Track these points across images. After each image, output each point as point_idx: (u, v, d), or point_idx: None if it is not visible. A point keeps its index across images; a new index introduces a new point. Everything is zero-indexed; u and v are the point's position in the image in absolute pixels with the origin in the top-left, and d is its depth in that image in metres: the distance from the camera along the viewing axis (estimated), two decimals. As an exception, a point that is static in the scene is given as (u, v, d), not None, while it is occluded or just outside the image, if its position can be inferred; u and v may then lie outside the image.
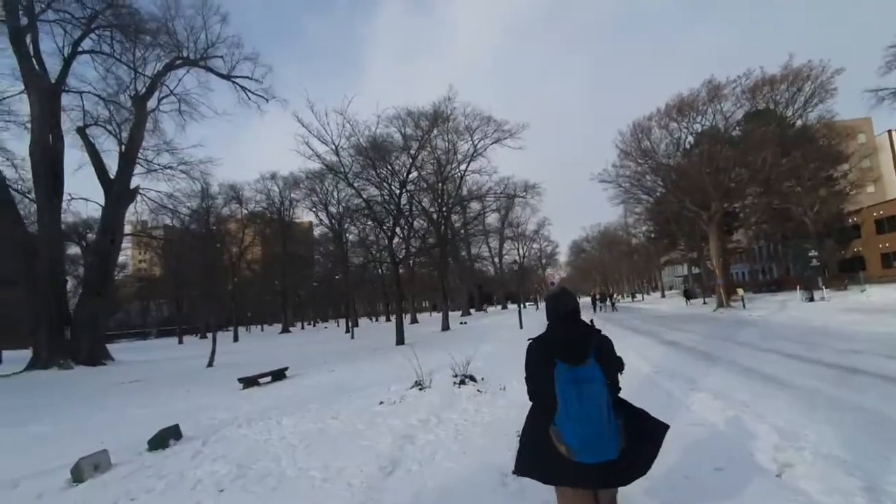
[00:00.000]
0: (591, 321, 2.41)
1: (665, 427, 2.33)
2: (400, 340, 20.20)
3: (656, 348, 11.74)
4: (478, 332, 24.60)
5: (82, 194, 50.88)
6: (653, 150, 29.42)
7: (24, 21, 21.48)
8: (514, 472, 2.37)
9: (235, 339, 42.45)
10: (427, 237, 27.96)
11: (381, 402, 7.00)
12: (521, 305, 28.01)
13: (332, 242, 49.98)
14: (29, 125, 22.32)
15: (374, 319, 73.67)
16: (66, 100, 24.80)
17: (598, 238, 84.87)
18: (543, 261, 76.87)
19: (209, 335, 49.16)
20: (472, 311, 59.13)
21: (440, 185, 27.81)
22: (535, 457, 2.25)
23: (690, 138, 29.92)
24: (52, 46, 25.30)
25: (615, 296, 49.05)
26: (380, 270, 42.02)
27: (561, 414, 2.05)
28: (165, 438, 5.28)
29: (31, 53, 23.62)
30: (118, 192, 24.00)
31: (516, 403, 6.03)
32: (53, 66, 24.37)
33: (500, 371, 8.89)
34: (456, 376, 7.99)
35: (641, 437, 2.21)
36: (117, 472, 4.47)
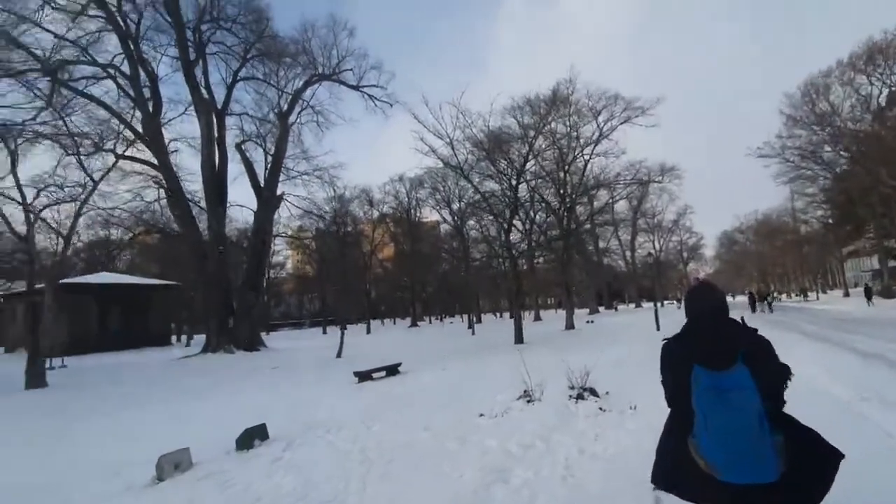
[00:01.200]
0: (742, 319, 2.11)
1: (839, 455, 1.94)
2: (518, 339, 19.19)
3: (848, 361, 8.94)
4: (606, 332, 22.38)
5: (239, 202, 59.63)
6: (832, 113, 23.72)
7: (192, 55, 25.22)
8: (651, 483, 2.21)
9: (368, 331, 45.49)
10: (548, 230, 26.38)
11: (482, 415, 6.16)
12: (658, 304, 24.82)
13: (455, 239, 50.77)
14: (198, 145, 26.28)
15: (498, 315, 73.34)
16: (227, 121, 28.78)
17: (754, 227, 72.87)
18: (685, 254, 68.65)
19: (346, 327, 53.68)
20: (601, 308, 55.18)
21: (562, 173, 25.98)
22: (674, 469, 2.06)
23: (884, 94, 23.44)
24: (218, 77, 29.58)
25: (773, 294, 41.25)
26: (503, 266, 41.38)
27: (699, 425, 1.84)
28: (251, 438, 5.19)
29: (203, 84, 28.00)
30: (266, 198, 27.08)
31: (650, 428, 4.65)
32: (216, 95, 28.49)
33: (630, 384, 7.39)
34: (573, 388, 6.77)
35: (808, 462, 1.90)
36: (194, 474, 4.41)
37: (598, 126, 26.25)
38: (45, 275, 16.34)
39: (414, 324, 57.91)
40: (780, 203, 54.14)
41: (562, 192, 25.37)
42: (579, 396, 6.53)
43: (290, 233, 53.99)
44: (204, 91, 28.12)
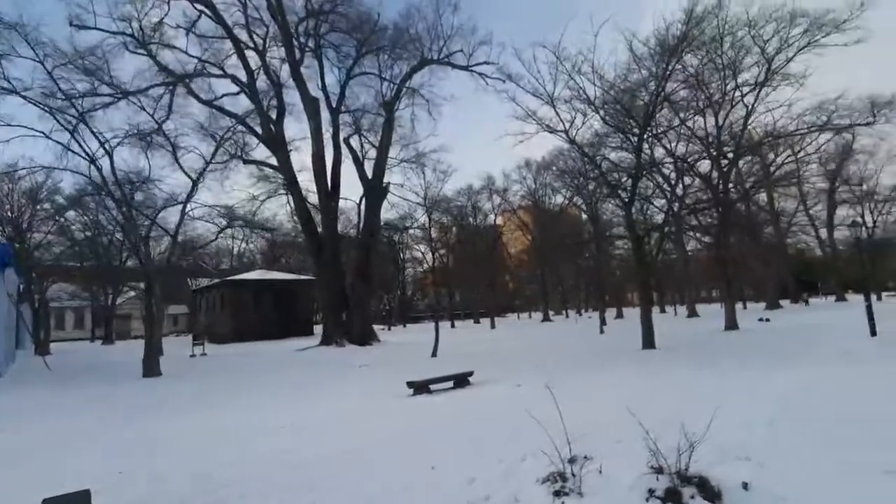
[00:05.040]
0: None
1: None
2: (648, 343, 14.79)
3: None
4: (783, 337, 16.28)
5: (351, 196, 62.30)
6: None
7: (297, 55, 25.79)
8: None
9: (492, 326, 43.28)
10: (694, 203, 20.55)
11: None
12: (872, 298, 17.14)
13: (590, 223, 45.44)
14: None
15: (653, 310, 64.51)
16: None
17: None
18: (916, 230, 51.11)
19: (456, 322, 52.12)
20: (785, 303, 43.91)
21: (716, 125, 19.91)
22: None
23: None
24: (331, 77, 30.23)
25: None
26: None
27: None
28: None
29: (319, 85, 28.91)
30: (373, 190, 26.62)
31: None
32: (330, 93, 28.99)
33: (806, 462, 3.66)
34: (660, 472, 3.35)
35: None
36: None
37: (764, 58, 19.39)
38: (152, 271, 17.50)
39: (546, 318, 53.93)
40: None
41: (713, 149, 19.37)
42: (669, 497, 3.10)
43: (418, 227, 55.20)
44: (319, 91, 29.02)
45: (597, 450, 4.37)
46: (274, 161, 26.59)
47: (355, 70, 30.02)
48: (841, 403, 5.96)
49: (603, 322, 29.96)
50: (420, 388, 10.02)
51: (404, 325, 59.02)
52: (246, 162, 25.93)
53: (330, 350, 23.25)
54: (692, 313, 38.35)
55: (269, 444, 5.95)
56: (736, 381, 7.91)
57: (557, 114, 16.18)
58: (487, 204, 58.12)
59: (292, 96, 29.44)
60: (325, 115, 29.21)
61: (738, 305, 46.49)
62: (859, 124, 20.57)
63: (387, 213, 34.17)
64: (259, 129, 26.21)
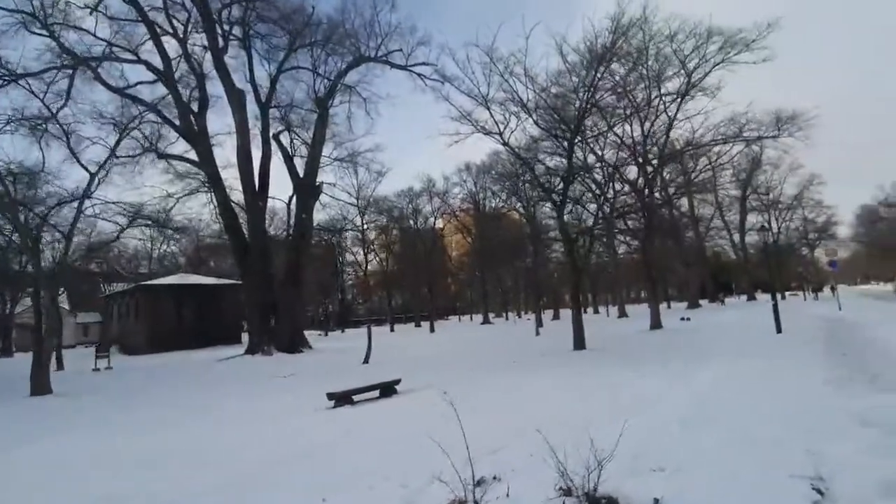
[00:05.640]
0: None
1: None
2: (579, 344, 14.95)
3: None
4: (702, 334, 17.18)
5: (280, 195, 59.87)
6: None
7: (221, 43, 24.09)
8: None
9: (432, 329, 42.92)
10: (626, 209, 21.33)
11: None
12: (777, 297, 18.59)
13: (529, 225, 46.35)
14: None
15: (583, 311, 66.93)
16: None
17: (907, 199, 58.48)
18: (812, 235, 56.91)
19: (428, 323, 51.35)
20: (704, 303, 47.17)
21: (642, 133, 20.84)
22: None
23: None
24: (261, 71, 28.50)
25: None
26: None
27: None
28: None
29: (248, 79, 27.13)
30: (305, 189, 25.35)
31: None
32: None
33: (724, 465, 3.50)
34: (566, 495, 2.98)
35: None
36: None
37: (685, 73, 20.56)
38: (42, 278, 15.43)
39: (486, 321, 54.41)
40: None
41: (638, 157, 20.24)
42: (576, 525, 2.73)
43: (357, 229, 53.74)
44: (247, 84, 27.30)
45: (509, 467, 3.99)
46: (194, 156, 24.60)
47: (287, 64, 28.57)
48: (752, 400, 6.04)
49: (539, 324, 30.46)
50: (341, 399, 9.31)
51: (342, 331, 57.23)
52: (161, 156, 23.76)
53: (255, 359, 21.74)
54: (622, 314, 40.11)
55: (112, 483, 4.98)
56: (656, 381, 7.95)
57: (492, 115, 16.09)
58: (428, 206, 57.86)
59: (219, 88, 27.52)
60: (253, 109, 27.57)
61: (663, 305, 49.41)
62: (766, 137, 22.39)
63: (323, 214, 32.77)
64: (178, 122, 24.15)
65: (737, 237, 53.60)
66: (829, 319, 19.02)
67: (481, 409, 7.02)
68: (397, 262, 63.52)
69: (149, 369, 21.01)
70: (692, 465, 3.87)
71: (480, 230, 54.49)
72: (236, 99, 24.74)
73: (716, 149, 24.89)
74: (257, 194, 24.90)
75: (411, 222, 56.93)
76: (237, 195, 26.87)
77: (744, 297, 55.45)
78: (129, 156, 23.74)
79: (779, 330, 14.76)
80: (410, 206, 56.17)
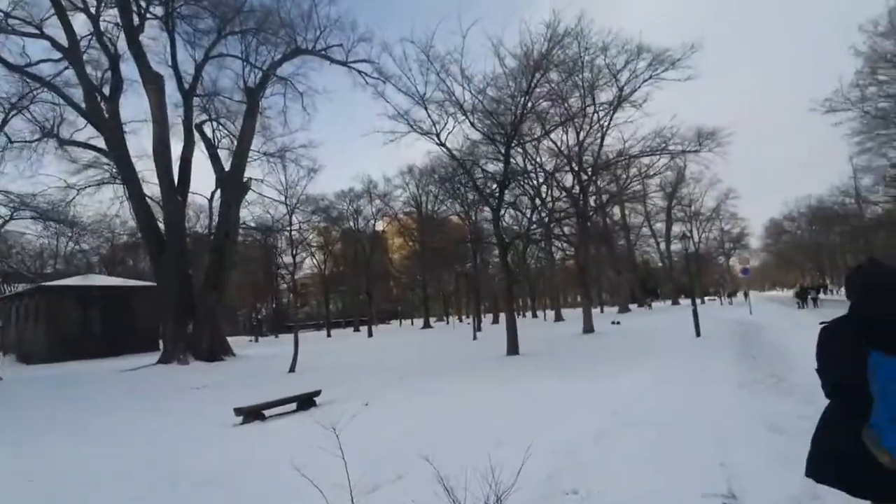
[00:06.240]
0: None
1: None
2: (512, 349, 14.84)
3: None
4: (631, 338, 17.73)
5: (206, 190, 56.30)
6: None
7: (136, 21, 22.01)
8: (808, 475, 2.05)
9: (370, 334, 41.82)
10: (563, 215, 21.69)
11: None
12: (697, 302, 19.70)
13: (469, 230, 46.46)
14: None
15: (522, 315, 68.22)
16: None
17: (806, 215, 65.09)
18: (728, 245, 61.70)
19: (367, 328, 49.79)
20: (633, 307, 49.61)
21: (577, 142, 21.31)
22: (840, 463, 1.91)
23: None
24: (184, 54, 26.33)
25: (821, 289, 35.17)
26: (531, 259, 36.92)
27: (883, 416, 1.71)
28: None
29: (170, 63, 24.96)
30: (231, 185, 23.66)
31: None
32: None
33: (634, 484, 3.23)
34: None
35: None
36: None
37: (617, 86, 21.35)
38: None
39: (427, 325, 53.98)
40: (841, 183, 46.97)
41: (574, 165, 20.71)
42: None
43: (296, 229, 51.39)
44: (169, 69, 25.15)
45: (408, 498, 3.51)
46: (104, 144, 22.23)
47: (215, 50, 26.70)
48: (671, 407, 5.98)
49: (478, 328, 30.43)
50: (250, 414, 8.43)
51: (276, 336, 54.54)
52: (62, 142, 21.25)
53: (168, 369, 19.87)
54: (558, 318, 41.16)
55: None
56: (580, 387, 7.84)
57: (429, 115, 15.72)
58: (368, 208, 56.56)
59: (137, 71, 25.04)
60: (175, 97, 25.45)
61: (597, 310, 51.45)
62: (689, 151, 23.80)
63: (261, 212, 30.82)
64: (86, 107, 21.73)
65: (663, 246, 56.98)
66: (742, 323, 20.34)
67: (391, 426, 6.54)
68: (336, 265, 61.62)
69: (42, 380, 18.62)
70: (607, 486, 3.59)
71: (422, 234, 54.06)
72: (153, 83, 22.66)
73: (645, 160, 26.13)
74: (176, 188, 22.90)
75: (351, 223, 55.42)
76: (154, 189, 24.68)
77: (669, 302, 58.96)
78: (24, 141, 21.15)
79: (698, 334, 15.47)
80: (351, 206, 54.76)
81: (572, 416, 5.56)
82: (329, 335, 48.27)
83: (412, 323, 78.57)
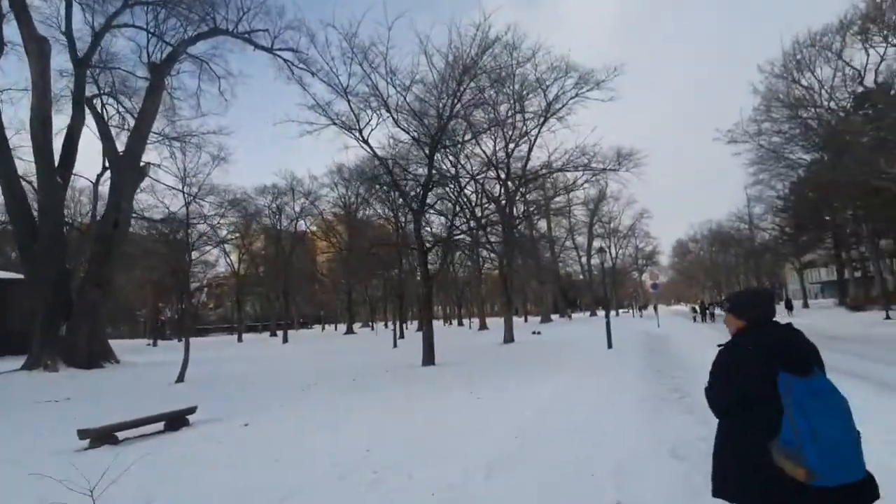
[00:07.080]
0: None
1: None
2: (428, 359, 14.18)
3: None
4: (548, 349, 17.83)
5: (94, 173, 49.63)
6: (812, 97, 20.20)
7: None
8: (715, 495, 2.04)
9: (285, 340, 39.37)
10: (484, 220, 21.50)
11: None
12: (611, 314, 20.41)
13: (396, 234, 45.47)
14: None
15: (448, 323, 68.11)
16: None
17: (708, 237, 71.56)
18: (641, 261, 66.17)
19: (283, 332, 46.60)
20: (555, 317, 51.26)
21: (505, 152, 21.29)
22: (752, 480, 1.88)
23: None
24: (81, 19, 23.15)
25: (715, 305, 38.73)
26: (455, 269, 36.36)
27: (802, 433, 1.70)
28: None
29: (63, 29, 21.79)
30: (125, 169, 20.95)
31: None
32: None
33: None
34: None
35: None
36: None
37: (545, 99, 21.72)
38: None
39: (350, 331, 52.09)
40: (737, 210, 52.02)
41: (501, 173, 20.69)
42: None
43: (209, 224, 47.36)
44: (61, 35, 21.96)
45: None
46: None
47: (119, 20, 23.80)
48: (573, 427, 5.58)
49: (401, 335, 29.57)
50: (101, 438, 6.97)
51: (179, 340, 49.79)
52: None
53: (30, 376, 16.92)
54: (483, 326, 41.33)
55: None
56: (486, 404, 7.33)
57: (351, 109, 14.78)
58: (292, 207, 53.61)
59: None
60: (65, 65, 22.29)
61: (521, 319, 52.58)
62: (609, 169, 24.84)
63: (151, 201, 27.74)
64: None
65: (584, 259, 59.73)
66: (650, 335, 21.34)
67: (257, 455, 5.56)
68: (254, 265, 57.78)
69: None
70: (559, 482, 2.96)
71: (349, 236, 52.15)
72: (36, 47, 19.59)
73: (570, 175, 26.90)
74: (56, 168, 19.86)
75: (268, 220, 52.11)
76: (30, 167, 21.25)
77: (588, 313, 61.83)
78: None
79: (609, 345, 15.80)
80: (274, 203, 51.61)
81: (469, 441, 4.95)
82: (240, 340, 44.83)
83: (336, 328, 75.77)
